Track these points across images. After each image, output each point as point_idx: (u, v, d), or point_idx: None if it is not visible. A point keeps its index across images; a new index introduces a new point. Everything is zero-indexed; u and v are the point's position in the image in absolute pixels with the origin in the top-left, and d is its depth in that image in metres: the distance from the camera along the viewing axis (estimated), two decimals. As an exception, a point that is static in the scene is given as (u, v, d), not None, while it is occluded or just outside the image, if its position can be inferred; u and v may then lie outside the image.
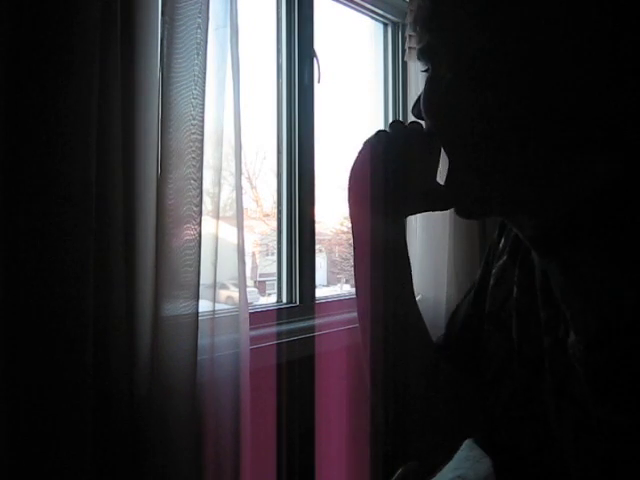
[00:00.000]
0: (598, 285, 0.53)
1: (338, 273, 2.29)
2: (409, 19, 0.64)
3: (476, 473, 1.47)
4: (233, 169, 1.28)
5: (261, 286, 1.98)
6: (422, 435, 0.76)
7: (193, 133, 1.12)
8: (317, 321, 1.66)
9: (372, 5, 1.97)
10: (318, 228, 1.80)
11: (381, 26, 2.13)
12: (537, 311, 0.62)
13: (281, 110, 1.70)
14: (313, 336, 1.58)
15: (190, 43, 1.11)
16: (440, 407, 0.75)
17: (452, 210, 0.67)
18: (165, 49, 1.10)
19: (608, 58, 0.53)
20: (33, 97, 0.91)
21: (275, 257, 1.74)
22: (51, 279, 0.92)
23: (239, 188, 1.27)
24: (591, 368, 0.52)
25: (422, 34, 0.62)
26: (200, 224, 1.13)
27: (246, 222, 1.30)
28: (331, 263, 2.27)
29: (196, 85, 1.12)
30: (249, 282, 1.63)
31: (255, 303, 1.75)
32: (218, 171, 1.21)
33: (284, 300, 1.71)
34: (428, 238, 1.91)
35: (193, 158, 1.12)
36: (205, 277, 1.17)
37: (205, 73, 1.13)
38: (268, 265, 1.93)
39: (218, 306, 1.21)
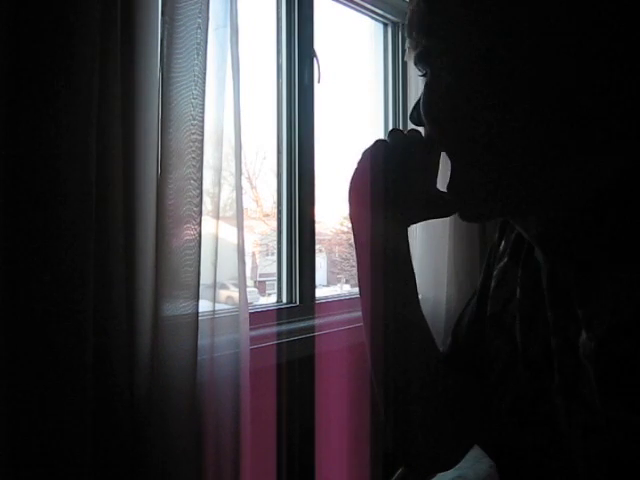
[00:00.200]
0: (609, 282, 0.53)
1: (338, 273, 2.29)
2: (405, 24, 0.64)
3: (476, 473, 1.48)
4: (233, 169, 1.28)
5: (261, 286, 1.98)
6: (421, 439, 0.76)
7: (193, 133, 1.12)
8: (317, 321, 1.66)
9: (372, 5, 1.97)
10: (318, 228, 1.80)
11: (381, 26, 2.13)
12: (542, 312, 0.62)
13: (281, 110, 1.70)
14: (313, 336, 1.58)
15: (190, 43, 1.11)
16: (443, 412, 0.75)
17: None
18: (165, 49, 1.10)
19: (610, 57, 0.53)
20: (33, 97, 0.91)
21: (275, 257, 1.74)
22: (51, 279, 0.92)
23: (239, 188, 1.27)
24: (602, 366, 0.52)
25: (419, 38, 0.62)
26: (200, 224, 1.13)
27: (246, 222, 1.30)
28: (331, 263, 2.27)
29: (196, 85, 1.12)
30: (249, 282, 1.63)
31: (255, 303, 1.75)
32: (218, 171, 1.21)
33: (284, 300, 1.71)
34: (428, 238, 1.91)
35: (193, 158, 1.12)
36: (205, 277, 1.17)
37: (205, 73, 1.13)
38: (268, 265, 1.93)
39: (218, 306, 1.21)
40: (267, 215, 1.95)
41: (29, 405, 0.91)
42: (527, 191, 0.60)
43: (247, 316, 1.26)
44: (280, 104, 1.70)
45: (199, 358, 1.14)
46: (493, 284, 0.74)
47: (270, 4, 1.71)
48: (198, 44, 1.12)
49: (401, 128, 2.09)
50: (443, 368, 0.77)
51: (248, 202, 1.90)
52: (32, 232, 0.91)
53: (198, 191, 1.12)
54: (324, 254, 2.19)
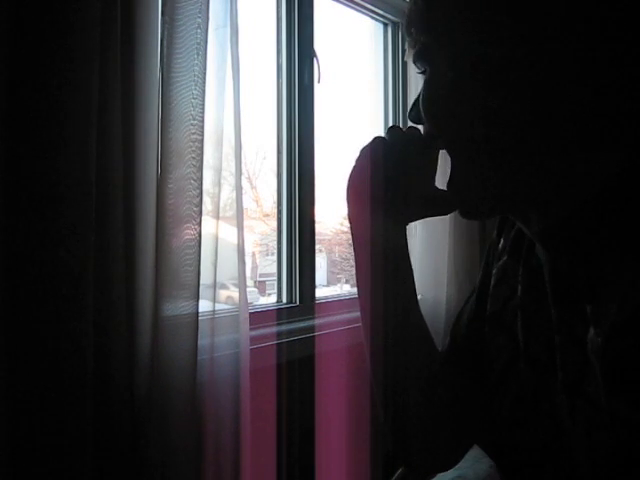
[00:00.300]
0: (616, 278, 0.53)
1: (338, 273, 2.29)
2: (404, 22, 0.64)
3: (476, 473, 1.48)
4: (233, 169, 1.28)
5: (261, 286, 1.98)
6: (421, 438, 0.76)
7: (193, 133, 1.12)
8: (317, 321, 1.66)
9: (372, 5, 1.97)
10: (318, 228, 1.80)
11: (381, 26, 2.13)
12: (544, 309, 0.61)
13: (281, 110, 1.70)
14: (313, 336, 1.57)
15: (190, 43, 1.11)
16: (442, 412, 0.75)
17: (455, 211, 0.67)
18: (165, 49, 1.10)
19: (609, 52, 0.53)
20: (33, 97, 0.91)
21: (275, 257, 1.74)
22: (51, 279, 0.92)
23: (239, 188, 1.27)
24: (608, 361, 0.52)
25: (417, 36, 0.62)
26: (200, 224, 1.13)
27: (246, 222, 1.30)
28: (331, 263, 2.27)
29: (196, 85, 1.12)
30: (249, 282, 1.63)
31: (255, 303, 1.75)
32: (218, 171, 1.21)
33: (284, 300, 1.71)
34: (428, 237, 1.91)
35: (193, 158, 1.12)
36: (205, 277, 1.17)
37: (205, 73, 1.13)
38: (268, 265, 1.93)
39: (218, 306, 1.21)
40: (267, 215, 1.95)
41: (29, 405, 0.91)
42: (527, 188, 0.59)
43: (247, 316, 1.26)
44: (280, 104, 1.70)
45: (199, 358, 1.14)
46: (493, 282, 0.73)
47: (270, 4, 1.71)
48: (198, 44, 1.12)
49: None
50: (442, 368, 0.77)
51: (248, 202, 1.90)
52: (32, 232, 0.91)
53: (198, 191, 1.12)
54: (324, 254, 2.19)
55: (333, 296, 1.97)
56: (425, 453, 0.77)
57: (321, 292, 1.90)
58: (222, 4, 1.21)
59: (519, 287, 0.67)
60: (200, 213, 1.13)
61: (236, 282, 1.27)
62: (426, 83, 0.62)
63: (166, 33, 1.09)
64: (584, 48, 0.53)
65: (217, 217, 1.22)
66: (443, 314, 1.87)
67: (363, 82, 2.14)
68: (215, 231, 1.21)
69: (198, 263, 1.13)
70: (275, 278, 1.73)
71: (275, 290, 1.73)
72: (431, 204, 0.71)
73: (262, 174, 1.94)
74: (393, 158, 0.69)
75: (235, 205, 1.27)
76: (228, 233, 1.27)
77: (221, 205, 1.23)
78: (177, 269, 1.11)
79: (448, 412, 0.75)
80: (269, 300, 1.83)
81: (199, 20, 1.12)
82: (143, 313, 1.09)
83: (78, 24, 0.94)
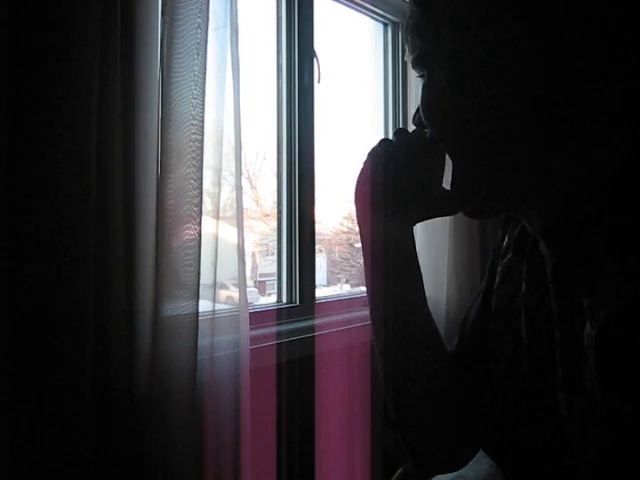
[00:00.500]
0: (613, 272, 0.53)
1: (338, 273, 2.29)
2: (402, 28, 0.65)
3: (476, 473, 1.48)
4: (233, 169, 1.28)
5: (261, 286, 1.98)
6: (431, 438, 0.76)
7: (193, 133, 1.12)
8: (317, 321, 1.66)
9: (372, 5, 1.97)
10: (318, 228, 1.80)
11: (381, 26, 2.13)
12: (547, 305, 0.62)
13: (281, 110, 1.70)
14: (313, 336, 1.58)
15: (190, 43, 1.11)
16: (452, 412, 0.75)
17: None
18: (165, 49, 1.10)
19: (607, 51, 0.53)
20: (33, 97, 0.91)
21: (275, 257, 1.74)
22: (51, 279, 0.92)
23: (239, 188, 1.27)
24: (602, 354, 0.52)
25: (415, 42, 0.63)
26: (200, 224, 1.13)
27: (246, 222, 1.30)
28: (331, 263, 2.27)
29: (196, 85, 1.12)
30: (249, 282, 1.63)
31: (255, 303, 1.75)
32: (218, 171, 1.21)
33: (284, 300, 1.71)
34: (428, 237, 1.91)
35: (193, 158, 1.12)
36: (205, 277, 1.17)
37: (205, 73, 1.13)
38: (268, 265, 1.93)
39: (218, 306, 1.21)
40: (267, 215, 1.95)
41: (29, 405, 0.91)
42: (528, 185, 0.60)
43: (247, 316, 1.26)
44: (280, 104, 1.70)
45: (199, 358, 1.14)
46: (497, 280, 0.74)
47: (270, 4, 1.71)
48: (198, 44, 1.12)
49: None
50: (450, 368, 0.77)
51: (248, 202, 1.90)
52: (32, 232, 0.91)
53: (198, 191, 1.12)
54: (324, 254, 2.19)
55: (333, 296, 1.97)
56: (435, 453, 0.77)
57: (321, 292, 1.90)
58: (222, 4, 1.21)
59: (523, 284, 0.67)
60: (200, 213, 1.13)
61: (236, 282, 1.27)
62: (424, 87, 0.63)
63: (166, 33, 1.09)
64: (582, 46, 0.53)
65: (217, 217, 1.22)
66: (443, 314, 1.87)
67: (363, 82, 2.14)
68: (215, 231, 1.21)
69: (198, 263, 1.13)
70: (275, 278, 1.73)
71: (275, 290, 1.73)
72: (438, 204, 0.72)
73: (262, 174, 1.94)
74: (400, 160, 0.70)
75: (235, 205, 1.27)
76: (228, 233, 1.27)
77: (221, 205, 1.23)
78: (177, 269, 1.11)
79: (457, 412, 0.75)
80: (269, 300, 1.83)
81: (199, 20, 1.12)
82: (143, 313, 1.09)
83: (78, 24, 0.94)
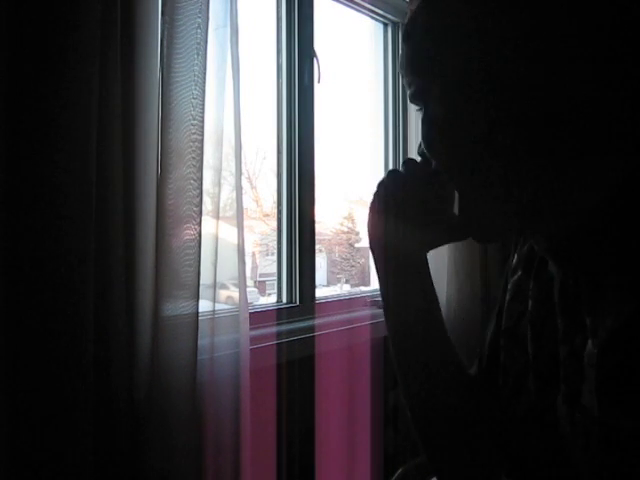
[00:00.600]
0: (616, 290, 0.53)
1: (338, 273, 2.29)
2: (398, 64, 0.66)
3: None
4: (233, 169, 1.28)
5: (261, 286, 1.98)
6: (455, 459, 0.76)
7: (193, 133, 1.12)
8: (317, 321, 1.66)
9: (372, 5, 1.97)
10: (318, 228, 1.80)
11: (381, 26, 2.13)
12: (553, 323, 0.62)
13: (281, 110, 1.70)
14: (313, 336, 1.57)
15: (190, 43, 1.11)
16: (474, 432, 0.75)
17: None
18: (165, 49, 1.10)
19: (611, 61, 0.53)
20: (33, 97, 0.91)
21: (275, 257, 1.74)
22: (51, 279, 0.92)
23: (239, 188, 1.27)
24: (603, 371, 0.52)
25: (409, 78, 0.64)
26: (200, 224, 1.13)
27: (246, 222, 1.30)
28: (331, 263, 2.27)
29: (196, 85, 1.12)
30: (249, 282, 1.63)
31: (255, 303, 1.75)
32: (218, 171, 1.21)
33: (284, 300, 1.70)
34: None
35: (193, 158, 1.12)
36: (205, 277, 1.17)
37: (205, 73, 1.13)
38: (268, 265, 1.93)
39: (218, 306, 1.21)
40: (267, 215, 1.95)
41: (29, 405, 0.91)
42: (533, 209, 0.60)
43: (247, 316, 1.26)
44: (280, 104, 1.70)
45: (199, 358, 1.14)
46: (508, 297, 0.75)
47: (270, 4, 1.71)
48: (198, 44, 1.12)
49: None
50: (471, 389, 0.78)
51: (248, 202, 1.90)
52: (32, 232, 0.91)
53: (198, 191, 1.12)
54: (324, 254, 2.19)
55: (333, 296, 1.97)
56: (460, 473, 0.78)
57: (321, 292, 1.90)
58: (222, 4, 1.21)
59: (530, 301, 0.68)
60: (200, 213, 1.13)
61: (236, 282, 1.27)
62: (423, 122, 0.64)
63: (166, 33, 1.09)
64: (581, 56, 0.53)
65: (217, 217, 1.22)
66: (443, 314, 1.87)
67: (363, 82, 2.14)
68: (215, 231, 1.21)
69: (198, 263, 1.13)
70: (275, 278, 1.73)
71: (275, 290, 1.73)
72: (451, 230, 0.74)
73: (262, 174, 1.94)
74: (408, 190, 0.72)
75: (235, 205, 1.27)
76: (228, 233, 1.27)
77: (221, 205, 1.23)
78: (177, 269, 1.11)
79: (479, 432, 0.75)
80: (269, 300, 1.83)
81: (199, 20, 1.12)
82: (143, 313, 1.09)
83: (78, 24, 0.94)
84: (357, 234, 2.34)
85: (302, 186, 1.70)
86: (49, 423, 0.92)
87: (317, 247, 1.81)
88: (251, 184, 1.96)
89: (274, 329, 1.53)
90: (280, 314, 1.62)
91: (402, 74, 0.65)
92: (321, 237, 2.09)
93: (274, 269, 1.74)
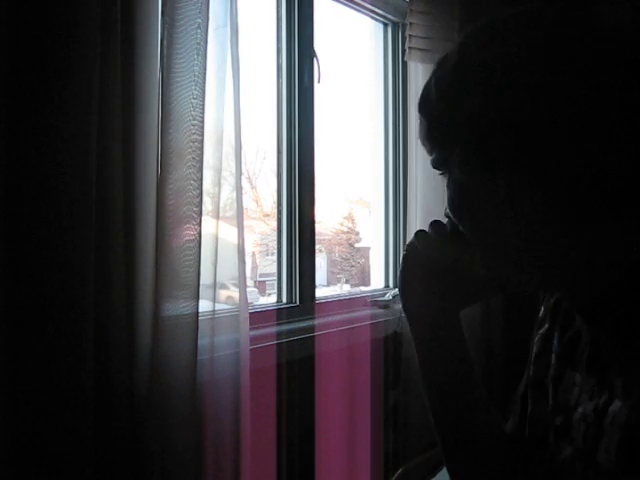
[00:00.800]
0: None
1: (338, 273, 2.29)
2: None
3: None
4: (233, 169, 1.28)
5: (261, 286, 1.98)
6: None
7: (193, 133, 1.12)
8: (317, 321, 1.66)
9: (372, 5, 1.97)
10: (318, 228, 1.80)
11: (381, 26, 2.13)
12: (572, 379, 0.63)
13: (281, 110, 1.70)
14: (313, 336, 1.57)
15: (190, 43, 1.11)
16: None
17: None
18: (165, 49, 1.10)
19: (625, 115, 0.53)
20: (33, 97, 0.91)
21: (275, 257, 1.74)
22: (51, 279, 0.92)
23: (239, 188, 1.27)
24: (629, 431, 0.53)
25: (429, 146, 0.65)
26: (200, 224, 1.13)
27: (246, 222, 1.30)
28: (331, 263, 2.27)
29: (196, 85, 1.12)
30: (249, 282, 1.63)
31: (255, 303, 1.75)
32: (218, 171, 1.21)
33: (284, 300, 1.70)
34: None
35: (193, 158, 1.12)
36: (205, 277, 1.17)
37: (205, 73, 1.13)
38: (268, 265, 1.93)
39: (218, 306, 1.21)
40: (267, 215, 1.95)
41: (29, 405, 0.91)
42: (560, 269, 0.61)
43: (247, 316, 1.26)
44: (280, 104, 1.70)
45: (199, 358, 1.14)
46: (535, 350, 0.75)
47: (270, 4, 1.71)
48: (198, 44, 1.12)
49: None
50: (511, 450, 0.78)
51: (248, 202, 1.90)
52: (32, 232, 0.91)
53: (198, 191, 1.12)
54: (324, 254, 2.19)
55: (333, 296, 1.97)
56: None
57: (321, 292, 1.90)
58: (222, 4, 1.21)
59: (553, 354, 0.69)
60: (200, 213, 1.13)
61: (236, 282, 1.27)
62: (447, 186, 0.65)
63: (166, 33, 1.09)
64: (598, 118, 0.53)
65: (217, 217, 1.22)
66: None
67: (363, 82, 2.14)
68: (215, 231, 1.21)
69: (198, 263, 1.13)
70: (275, 278, 1.73)
71: (275, 290, 1.73)
72: (479, 290, 0.75)
73: (262, 174, 1.94)
74: (437, 252, 0.73)
75: (235, 205, 1.27)
76: (228, 233, 1.27)
77: (221, 205, 1.23)
78: (177, 269, 1.11)
79: None
80: (269, 300, 1.83)
81: (199, 20, 1.12)
82: (143, 313, 1.09)
83: (78, 25, 0.94)
84: (357, 234, 2.34)
85: (302, 186, 1.70)
86: (49, 423, 0.92)
87: (317, 247, 1.81)
88: (251, 184, 1.96)
89: (274, 329, 1.53)
90: (280, 314, 1.62)
91: (422, 143, 0.67)
92: (321, 237, 2.09)
93: (274, 269, 1.74)
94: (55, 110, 0.92)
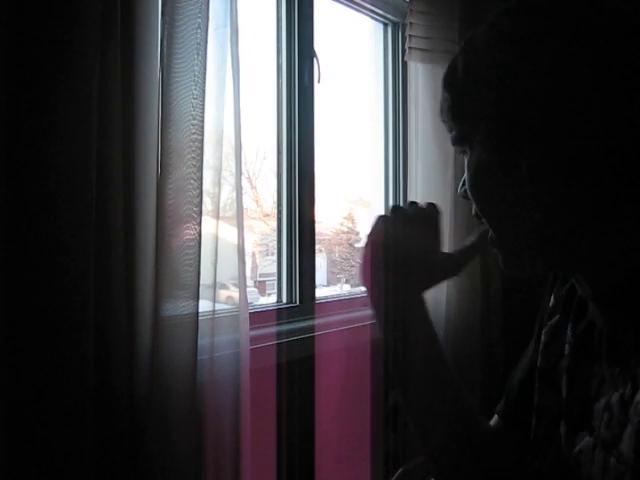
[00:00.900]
0: None
1: (338, 273, 2.29)
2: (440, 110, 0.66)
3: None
4: (233, 169, 1.28)
5: (261, 286, 1.98)
6: None
7: (193, 133, 1.12)
8: (317, 321, 1.66)
9: (372, 5, 1.97)
10: (318, 228, 1.80)
11: (381, 26, 2.13)
12: (590, 368, 0.62)
13: (281, 110, 1.70)
14: (313, 336, 1.57)
15: (190, 43, 1.11)
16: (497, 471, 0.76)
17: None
18: (165, 49, 1.09)
19: None
20: (33, 97, 0.91)
21: (275, 257, 1.74)
22: (51, 279, 0.92)
23: (239, 188, 1.27)
24: None
25: (451, 123, 0.65)
26: (200, 224, 1.13)
27: (246, 222, 1.30)
28: (331, 263, 2.27)
29: (196, 85, 1.12)
30: (249, 282, 1.63)
31: (255, 303, 1.75)
32: (218, 171, 1.21)
33: (284, 300, 1.70)
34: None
35: (193, 158, 1.12)
36: (205, 277, 1.17)
37: (205, 73, 1.13)
38: (268, 265, 1.93)
39: (218, 306, 1.21)
40: (267, 215, 1.95)
41: (29, 405, 0.91)
42: (577, 253, 0.61)
43: (247, 316, 1.26)
44: (280, 104, 1.70)
45: (199, 358, 1.14)
46: (545, 339, 0.75)
47: (270, 4, 1.71)
48: (198, 44, 1.12)
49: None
50: (491, 439, 0.78)
51: (248, 202, 1.90)
52: (32, 232, 0.91)
53: (198, 191, 1.12)
54: (324, 254, 2.19)
55: (333, 296, 1.97)
56: None
57: (321, 292, 1.90)
58: (222, 4, 1.21)
59: (566, 346, 0.68)
60: (200, 213, 1.13)
61: (236, 282, 1.27)
62: (467, 166, 0.65)
63: (166, 33, 1.09)
64: (627, 94, 0.53)
65: (217, 217, 1.22)
66: (443, 314, 1.87)
67: (363, 82, 2.14)
68: (215, 231, 1.21)
69: (198, 263, 1.13)
70: (275, 278, 1.73)
71: (275, 290, 1.73)
72: (442, 269, 0.76)
73: (262, 174, 1.94)
74: (400, 235, 0.73)
75: (235, 205, 1.27)
76: (228, 233, 1.27)
77: (221, 205, 1.23)
78: (177, 269, 1.11)
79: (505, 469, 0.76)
80: (269, 300, 1.83)
81: (199, 20, 1.12)
82: (143, 313, 1.09)
83: (79, 24, 0.94)
84: (357, 234, 2.34)
85: (302, 186, 1.70)
86: (49, 423, 0.92)
87: (317, 247, 1.81)
88: (251, 184, 1.96)
89: (274, 329, 1.53)
90: (280, 314, 1.62)
91: (443, 120, 0.66)
92: (321, 237, 2.09)
93: (274, 269, 1.74)
94: (55, 110, 0.92)
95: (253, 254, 1.97)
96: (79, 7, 0.94)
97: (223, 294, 1.42)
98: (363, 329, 1.65)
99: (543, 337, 0.75)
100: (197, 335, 1.13)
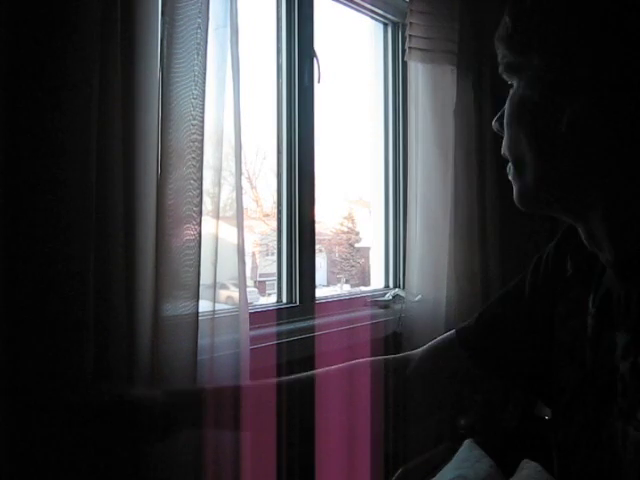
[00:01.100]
0: None
1: (338, 273, 2.29)
2: (497, 35, 0.65)
3: (476, 473, 1.47)
4: (233, 169, 1.28)
5: (261, 286, 1.98)
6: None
7: (193, 133, 1.12)
8: (317, 321, 1.66)
9: (372, 5, 1.97)
10: (318, 228, 1.80)
11: (381, 26, 2.13)
12: (611, 336, 0.62)
13: (281, 110, 1.70)
14: (313, 336, 1.57)
15: (190, 43, 1.11)
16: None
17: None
18: (165, 49, 1.09)
19: None
20: (33, 97, 0.91)
21: (275, 257, 1.74)
22: (51, 279, 0.92)
23: (239, 188, 1.27)
24: None
25: (504, 52, 0.64)
26: (200, 224, 1.13)
27: (246, 222, 1.30)
28: (331, 263, 2.27)
29: (196, 85, 1.12)
30: (249, 282, 1.62)
31: (255, 303, 1.75)
32: (218, 171, 1.21)
33: (284, 300, 1.70)
34: (428, 238, 1.91)
35: (193, 158, 1.12)
36: (205, 277, 1.17)
37: (205, 73, 1.13)
38: (268, 265, 1.93)
39: (218, 306, 1.21)
40: (267, 215, 1.95)
41: (29, 405, 0.91)
42: (598, 203, 0.60)
43: (247, 316, 1.26)
44: (280, 104, 1.70)
45: (199, 358, 1.14)
46: (564, 313, 0.74)
47: (270, 4, 1.71)
48: (198, 44, 1.12)
49: (401, 132, 2.08)
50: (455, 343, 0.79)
51: (248, 202, 1.90)
52: (32, 232, 0.91)
53: (198, 191, 1.12)
54: (324, 254, 2.19)
55: (333, 296, 1.97)
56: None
57: (321, 292, 1.90)
58: (222, 4, 1.21)
59: (588, 317, 0.68)
60: (200, 213, 1.13)
61: (236, 282, 1.27)
62: (509, 99, 0.64)
63: (166, 33, 1.09)
64: None
65: (217, 217, 1.22)
66: (443, 314, 1.87)
67: (363, 82, 2.14)
68: (215, 231, 1.21)
69: (198, 263, 1.13)
70: (275, 278, 1.73)
71: (275, 290, 1.73)
72: None
73: (262, 174, 1.94)
74: None
75: (235, 205, 1.27)
76: (228, 233, 1.27)
77: (221, 205, 1.23)
78: (177, 269, 1.11)
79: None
80: (269, 300, 1.83)
81: (199, 20, 1.12)
82: (143, 313, 1.09)
83: (78, 24, 0.94)
84: (357, 234, 2.34)
85: (302, 186, 1.70)
86: (49, 423, 0.92)
87: (317, 247, 1.81)
88: (251, 184, 1.96)
89: (274, 329, 1.53)
90: (280, 314, 1.62)
91: (497, 45, 0.64)
92: (321, 237, 2.09)
93: (274, 269, 1.74)
94: (55, 110, 0.92)
95: (253, 254, 1.97)
96: (79, 7, 0.94)
97: (223, 294, 1.42)
98: (363, 329, 1.65)
99: (562, 309, 0.74)
100: (197, 335, 1.13)
